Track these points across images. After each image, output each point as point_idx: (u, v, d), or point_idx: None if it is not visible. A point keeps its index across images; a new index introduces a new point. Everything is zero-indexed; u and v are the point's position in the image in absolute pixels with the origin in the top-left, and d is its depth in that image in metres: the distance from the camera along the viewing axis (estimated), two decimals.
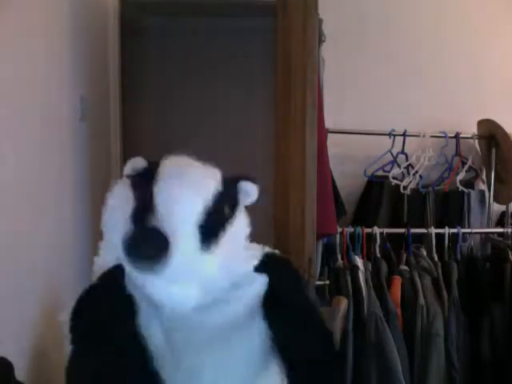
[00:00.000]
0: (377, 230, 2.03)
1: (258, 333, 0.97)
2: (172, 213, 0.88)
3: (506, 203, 2.40)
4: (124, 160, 2.61)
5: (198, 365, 0.92)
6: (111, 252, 0.96)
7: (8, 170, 1.17)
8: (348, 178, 2.36)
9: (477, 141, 2.40)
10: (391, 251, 2.04)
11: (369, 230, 2.04)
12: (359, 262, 1.94)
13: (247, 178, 1.01)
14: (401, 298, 1.91)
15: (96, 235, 1.94)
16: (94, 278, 0.99)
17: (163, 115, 2.58)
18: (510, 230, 2.16)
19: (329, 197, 1.85)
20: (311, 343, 1.02)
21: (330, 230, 1.88)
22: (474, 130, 2.37)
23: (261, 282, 0.99)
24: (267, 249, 1.08)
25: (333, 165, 2.02)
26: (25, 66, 1.27)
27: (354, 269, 1.92)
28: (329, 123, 2.03)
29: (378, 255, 2.01)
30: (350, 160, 2.38)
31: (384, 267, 1.97)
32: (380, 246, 2.03)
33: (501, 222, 2.46)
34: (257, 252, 1.04)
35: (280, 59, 1.71)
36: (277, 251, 1.11)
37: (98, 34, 2.08)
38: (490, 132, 2.32)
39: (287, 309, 1.01)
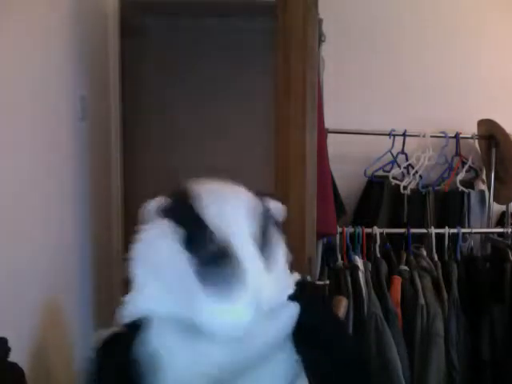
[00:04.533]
0: (377, 230, 2.03)
1: (285, 361, 0.96)
2: (232, 233, 0.88)
3: (506, 203, 2.39)
4: (124, 159, 2.62)
5: None
6: (141, 303, 0.93)
7: (8, 169, 1.17)
8: (348, 178, 2.36)
9: (477, 141, 2.40)
10: (391, 251, 2.04)
11: (369, 230, 2.03)
12: (359, 262, 1.94)
13: (267, 195, 1.00)
14: (401, 298, 1.91)
15: (96, 234, 1.94)
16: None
17: (163, 115, 2.58)
18: (509, 230, 2.16)
19: (329, 197, 1.85)
20: (343, 368, 1.01)
21: (330, 230, 1.88)
22: (474, 130, 2.37)
23: (293, 312, 0.97)
24: (297, 276, 1.06)
25: (333, 165, 2.02)
26: (25, 66, 1.27)
27: (354, 269, 1.92)
28: (329, 123, 2.03)
29: (378, 255, 2.01)
30: (350, 160, 2.38)
31: (384, 267, 1.97)
32: (380, 246, 2.03)
33: (501, 221, 2.45)
34: (290, 280, 1.02)
35: (280, 59, 1.71)
36: (306, 277, 1.08)
37: (97, 34, 2.08)
38: (489, 132, 2.32)
39: (318, 336, 1.00)
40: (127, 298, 0.95)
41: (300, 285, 1.02)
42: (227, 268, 0.86)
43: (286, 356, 0.96)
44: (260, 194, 0.99)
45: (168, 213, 0.92)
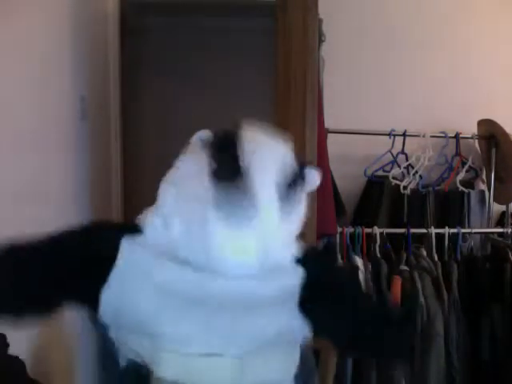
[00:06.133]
0: (377, 230, 2.03)
1: (286, 320, 0.97)
2: (259, 169, 0.90)
3: (506, 203, 2.39)
4: (124, 159, 2.62)
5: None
6: (160, 231, 0.93)
7: (8, 169, 1.17)
8: (348, 178, 2.36)
9: (477, 141, 2.40)
10: (391, 251, 2.04)
11: (369, 230, 2.03)
12: (359, 262, 1.94)
13: (305, 163, 1.03)
14: (401, 297, 1.91)
15: None
16: None
17: (163, 114, 2.58)
18: (510, 230, 2.16)
19: (329, 197, 1.85)
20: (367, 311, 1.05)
21: (329, 230, 1.88)
22: (474, 130, 2.37)
23: (299, 274, 0.97)
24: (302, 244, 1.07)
25: (333, 165, 2.02)
26: (25, 66, 1.27)
27: (353, 269, 1.91)
28: (329, 123, 2.03)
29: (378, 255, 2.01)
30: (350, 160, 2.38)
31: (384, 267, 1.97)
32: (380, 246, 2.03)
33: (501, 221, 2.45)
34: (295, 245, 1.02)
35: (280, 59, 1.71)
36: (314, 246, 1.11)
37: (98, 34, 2.08)
38: (489, 132, 2.32)
39: (333, 291, 1.01)
40: (146, 210, 0.97)
41: (308, 249, 1.02)
42: (243, 194, 0.87)
43: (289, 315, 0.96)
44: (300, 160, 1.01)
45: (207, 144, 0.95)
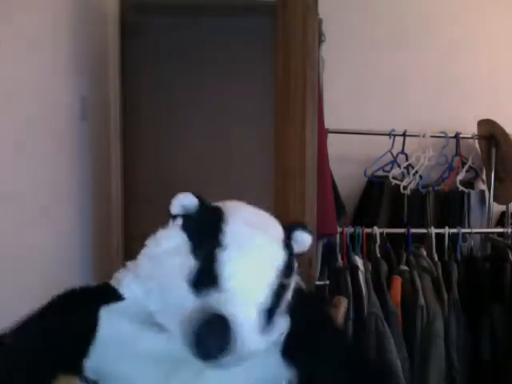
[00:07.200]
0: (377, 230, 2.03)
1: (272, 367, 0.89)
2: (240, 294, 0.78)
3: (506, 203, 2.40)
4: (124, 159, 2.62)
5: None
6: (140, 285, 0.87)
7: (9, 169, 1.17)
8: (348, 178, 2.36)
9: (477, 141, 2.40)
10: (391, 251, 2.04)
11: (369, 230, 2.03)
12: (359, 262, 1.94)
13: (300, 226, 0.92)
14: (401, 298, 1.91)
15: (96, 233, 1.94)
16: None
17: (163, 114, 2.58)
18: (510, 230, 2.16)
19: (329, 197, 1.85)
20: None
21: (329, 230, 1.88)
22: (474, 130, 2.37)
23: (283, 325, 0.88)
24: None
25: (333, 165, 2.02)
26: (26, 67, 1.27)
27: (353, 269, 1.91)
28: (329, 123, 2.03)
29: (378, 255, 2.01)
30: (350, 160, 2.38)
31: (384, 267, 1.97)
32: (380, 246, 2.03)
33: (501, 221, 2.45)
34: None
35: (280, 59, 1.71)
36: (302, 285, 1.01)
37: (98, 35, 2.08)
38: (489, 132, 2.32)
39: (316, 345, 0.92)
40: (123, 271, 0.92)
41: (295, 294, 0.92)
42: (222, 340, 0.75)
43: (268, 362, 0.89)
44: (289, 226, 0.92)
45: (189, 229, 0.84)
